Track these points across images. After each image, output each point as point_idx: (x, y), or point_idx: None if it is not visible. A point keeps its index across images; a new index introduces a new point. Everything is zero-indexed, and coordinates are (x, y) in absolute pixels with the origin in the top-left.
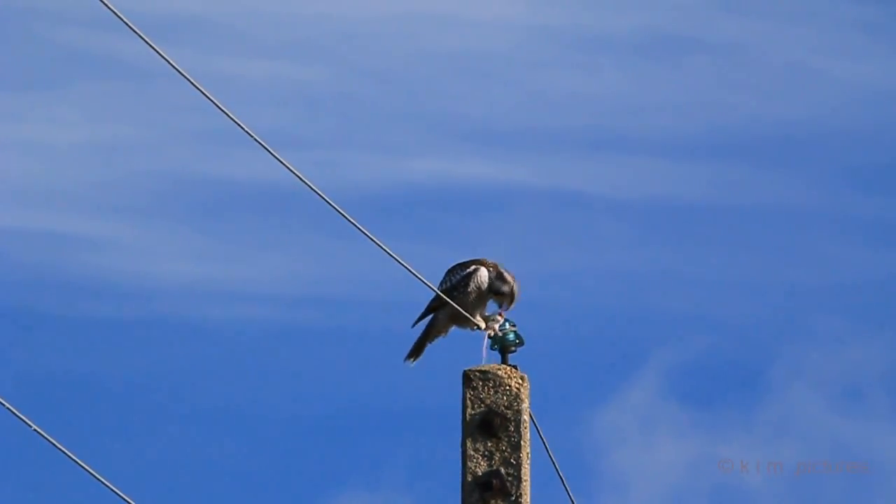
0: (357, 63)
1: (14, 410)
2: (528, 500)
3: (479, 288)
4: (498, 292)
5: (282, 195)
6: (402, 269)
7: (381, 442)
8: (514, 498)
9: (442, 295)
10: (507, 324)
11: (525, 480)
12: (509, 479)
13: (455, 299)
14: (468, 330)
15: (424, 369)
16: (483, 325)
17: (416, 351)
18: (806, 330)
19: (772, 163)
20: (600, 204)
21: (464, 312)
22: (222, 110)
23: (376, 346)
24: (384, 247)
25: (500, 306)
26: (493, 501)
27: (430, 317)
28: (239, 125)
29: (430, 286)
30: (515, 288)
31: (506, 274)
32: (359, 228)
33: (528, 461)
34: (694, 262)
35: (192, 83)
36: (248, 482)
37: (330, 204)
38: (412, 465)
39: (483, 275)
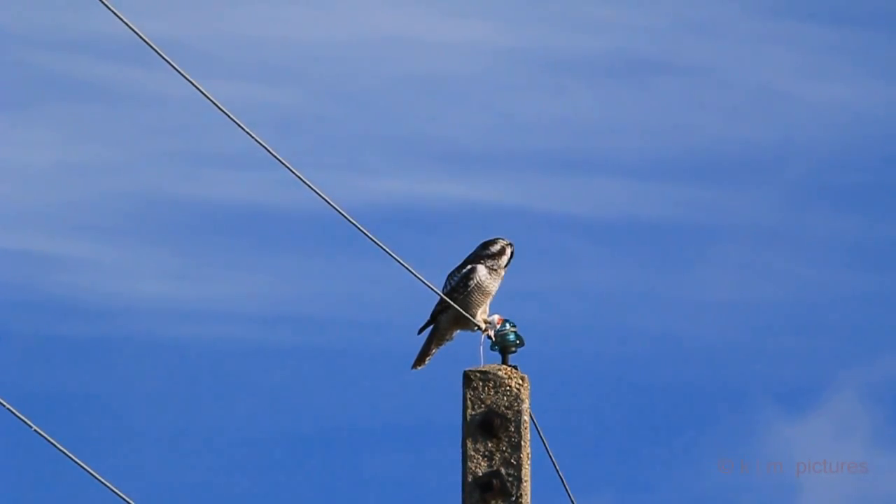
0: (327, 85)
1: (14, 411)
2: (529, 500)
3: (479, 284)
4: (494, 257)
5: (255, 215)
6: (380, 287)
7: (366, 458)
8: (514, 498)
9: (445, 298)
10: (507, 324)
11: (525, 481)
12: (509, 479)
13: (457, 301)
14: (471, 331)
15: (421, 377)
16: (483, 326)
17: (421, 358)
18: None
19: (740, 184)
20: (569, 224)
21: (464, 313)
22: (246, 131)
23: (354, 363)
24: (398, 258)
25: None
26: (493, 502)
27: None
28: (264, 147)
29: (433, 288)
30: (502, 246)
31: (492, 247)
32: (375, 241)
33: (529, 461)
34: (664, 281)
35: (216, 105)
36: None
37: (348, 219)
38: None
39: (481, 271)
